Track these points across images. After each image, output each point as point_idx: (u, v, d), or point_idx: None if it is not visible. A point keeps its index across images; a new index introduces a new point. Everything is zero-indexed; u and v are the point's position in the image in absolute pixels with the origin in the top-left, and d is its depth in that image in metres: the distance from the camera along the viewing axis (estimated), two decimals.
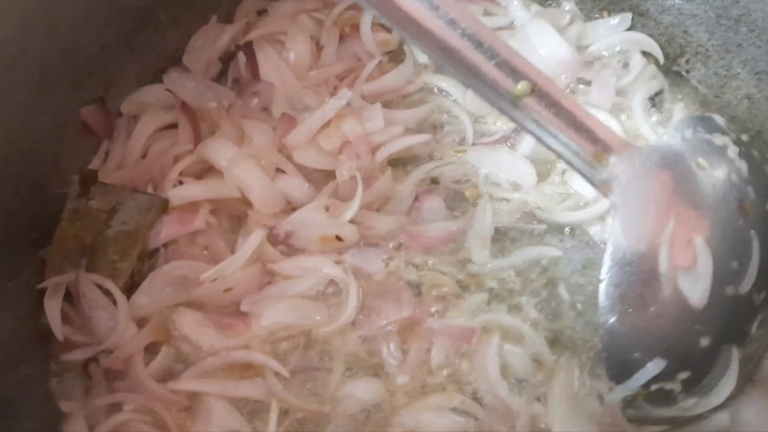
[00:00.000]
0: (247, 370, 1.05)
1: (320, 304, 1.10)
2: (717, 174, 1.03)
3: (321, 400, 1.04)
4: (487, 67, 0.92)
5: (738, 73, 1.25)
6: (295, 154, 1.17)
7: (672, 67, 1.33)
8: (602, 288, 0.99)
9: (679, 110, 1.28)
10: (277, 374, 1.04)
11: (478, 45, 0.91)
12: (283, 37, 1.29)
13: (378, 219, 1.16)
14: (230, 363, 1.05)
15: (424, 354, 1.07)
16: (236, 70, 1.28)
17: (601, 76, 1.28)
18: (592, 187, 1.00)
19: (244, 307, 1.07)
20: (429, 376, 1.06)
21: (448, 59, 0.91)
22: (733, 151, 1.05)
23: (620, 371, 0.99)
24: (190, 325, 1.06)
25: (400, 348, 1.07)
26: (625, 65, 1.32)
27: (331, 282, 1.12)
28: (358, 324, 1.09)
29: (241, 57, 1.26)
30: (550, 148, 0.97)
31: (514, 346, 1.07)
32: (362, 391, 1.04)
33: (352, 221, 1.13)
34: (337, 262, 1.11)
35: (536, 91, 0.94)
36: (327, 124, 1.18)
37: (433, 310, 1.10)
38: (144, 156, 1.20)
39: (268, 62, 1.25)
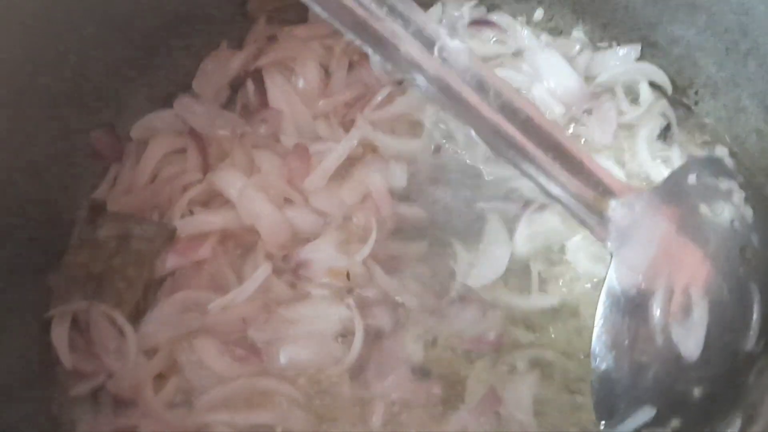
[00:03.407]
0: (260, 397, 1.06)
1: (332, 342, 1.11)
2: (719, 221, 1.01)
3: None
4: (487, 110, 0.92)
5: (746, 107, 1.24)
6: (312, 198, 1.18)
7: (681, 99, 1.32)
8: (595, 334, 0.98)
9: (686, 146, 1.28)
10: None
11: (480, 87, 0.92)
12: (293, 64, 1.29)
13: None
14: (248, 390, 1.06)
15: None
16: (245, 96, 1.28)
17: (603, 109, 1.28)
18: (589, 231, 0.99)
19: (251, 333, 1.08)
20: None
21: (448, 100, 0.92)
22: (738, 196, 1.03)
23: (610, 416, 0.98)
24: (209, 351, 1.07)
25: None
26: (634, 99, 1.32)
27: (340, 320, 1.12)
28: (361, 378, 1.08)
29: (250, 83, 1.27)
30: (546, 191, 0.97)
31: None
32: None
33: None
34: (345, 300, 1.12)
35: (535, 132, 0.94)
36: (350, 176, 1.20)
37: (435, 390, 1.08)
38: (152, 181, 1.21)
39: (276, 89, 1.26)
